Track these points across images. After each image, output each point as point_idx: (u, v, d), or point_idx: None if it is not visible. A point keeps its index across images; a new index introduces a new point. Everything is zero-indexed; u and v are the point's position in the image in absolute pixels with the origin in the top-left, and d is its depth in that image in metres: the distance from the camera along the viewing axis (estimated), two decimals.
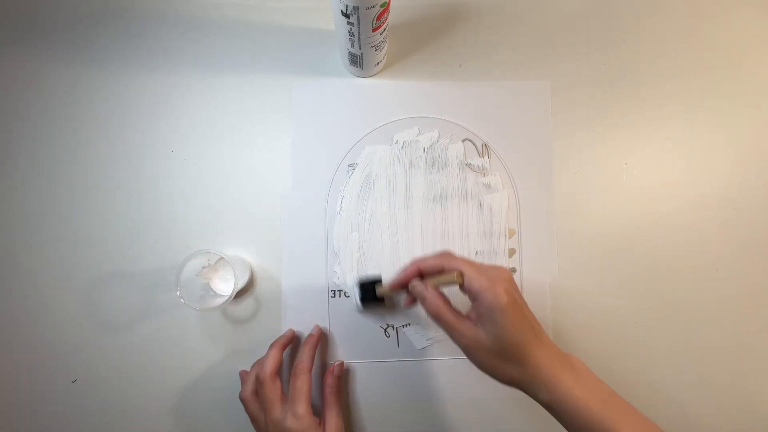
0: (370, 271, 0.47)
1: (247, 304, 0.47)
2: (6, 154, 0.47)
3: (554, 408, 0.33)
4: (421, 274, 0.39)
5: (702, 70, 0.50)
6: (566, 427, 0.34)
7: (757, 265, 0.48)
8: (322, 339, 0.46)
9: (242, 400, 0.42)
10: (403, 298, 0.44)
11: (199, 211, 0.47)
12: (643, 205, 0.48)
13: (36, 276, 0.46)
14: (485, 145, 0.48)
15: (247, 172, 0.47)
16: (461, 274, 0.36)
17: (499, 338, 0.33)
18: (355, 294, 0.45)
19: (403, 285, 0.40)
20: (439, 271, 0.38)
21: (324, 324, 0.46)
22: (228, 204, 0.47)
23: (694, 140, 0.49)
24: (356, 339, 0.47)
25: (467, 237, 0.47)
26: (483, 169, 0.48)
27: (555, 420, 0.47)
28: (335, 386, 0.44)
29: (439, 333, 0.47)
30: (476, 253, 0.47)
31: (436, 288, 0.38)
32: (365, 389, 0.46)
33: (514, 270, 0.47)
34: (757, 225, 0.49)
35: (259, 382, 0.41)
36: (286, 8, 0.48)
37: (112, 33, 0.48)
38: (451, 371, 0.47)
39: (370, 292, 0.43)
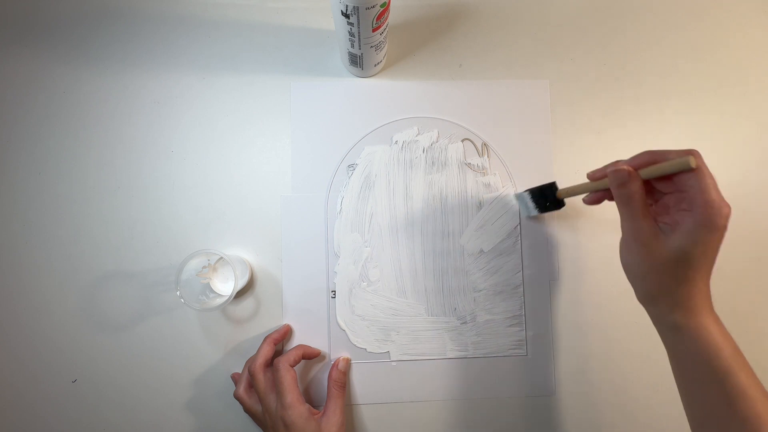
0: (371, 272, 0.47)
1: (247, 304, 0.47)
2: (6, 154, 0.47)
3: (684, 332, 0.32)
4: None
5: (702, 69, 0.50)
6: (681, 357, 0.33)
7: (757, 265, 0.48)
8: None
9: (237, 398, 0.43)
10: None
11: (199, 211, 0.47)
12: None
13: (36, 276, 0.46)
14: (485, 145, 0.48)
15: (247, 172, 0.47)
16: (694, 162, 0.31)
17: (683, 254, 0.31)
18: (527, 202, 0.45)
19: (599, 178, 0.37)
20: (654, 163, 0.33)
21: (324, 324, 0.46)
22: (228, 204, 0.47)
23: (693, 140, 0.49)
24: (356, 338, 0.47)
25: (468, 236, 0.47)
26: (483, 169, 0.48)
27: (554, 419, 0.47)
28: (340, 380, 0.44)
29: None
30: (482, 251, 0.47)
31: None
32: (365, 388, 0.46)
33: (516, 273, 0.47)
34: (757, 225, 0.49)
35: (251, 375, 0.42)
36: (286, 8, 0.48)
37: (112, 33, 0.48)
38: (452, 371, 0.47)
39: (549, 196, 0.43)
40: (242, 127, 0.47)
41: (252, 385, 0.42)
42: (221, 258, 0.44)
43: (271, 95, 0.48)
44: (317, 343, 0.46)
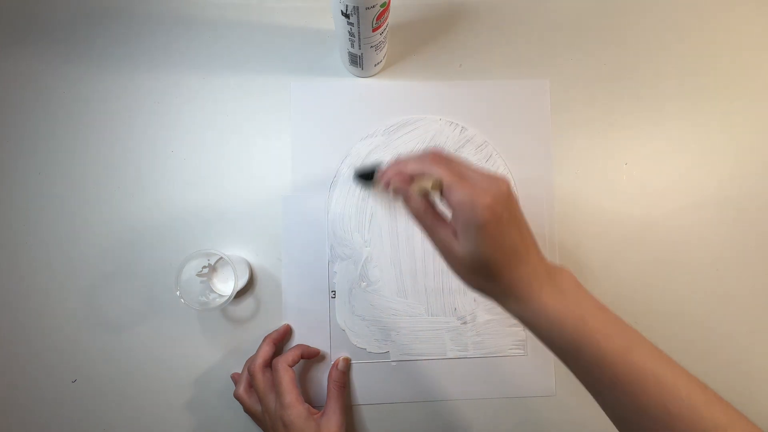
0: (371, 272, 0.47)
1: (247, 304, 0.47)
2: (6, 154, 0.47)
3: (525, 322, 0.31)
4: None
5: (702, 69, 0.50)
6: (542, 342, 0.31)
7: (757, 264, 0.48)
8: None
9: (237, 398, 0.43)
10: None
11: (199, 211, 0.47)
12: (643, 205, 0.48)
13: (36, 276, 0.46)
14: (485, 145, 0.48)
15: (247, 172, 0.47)
16: (439, 183, 0.31)
17: (474, 256, 0.30)
18: (355, 178, 0.44)
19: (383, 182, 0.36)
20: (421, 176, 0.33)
21: (324, 323, 0.46)
22: (228, 204, 0.47)
23: (694, 140, 0.49)
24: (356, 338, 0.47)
25: None
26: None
27: (554, 419, 0.47)
28: (339, 380, 0.44)
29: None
30: None
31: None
32: (365, 388, 0.46)
33: None
34: (757, 225, 0.49)
35: (251, 375, 0.42)
36: (286, 8, 0.48)
37: (112, 33, 0.48)
38: (452, 371, 0.47)
39: (368, 181, 0.42)
40: (242, 127, 0.47)
41: (252, 385, 0.42)
42: (221, 258, 0.44)
43: (271, 95, 0.48)
44: (317, 343, 0.46)
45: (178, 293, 0.40)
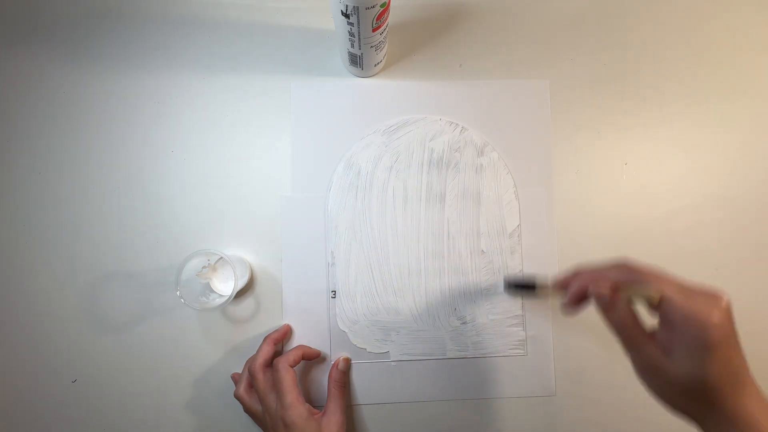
0: (371, 272, 0.47)
1: (247, 304, 0.47)
2: (6, 154, 0.47)
3: None
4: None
5: (702, 70, 0.50)
6: None
7: (757, 264, 0.48)
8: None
9: (237, 398, 0.43)
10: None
11: (199, 211, 0.47)
12: (643, 205, 0.48)
13: (36, 276, 0.46)
14: (485, 145, 0.48)
15: (247, 171, 0.47)
16: (658, 295, 0.29)
17: (694, 378, 0.28)
18: (507, 286, 0.45)
19: (566, 286, 0.34)
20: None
21: (324, 324, 0.46)
22: (228, 204, 0.47)
23: (694, 140, 0.49)
24: (356, 339, 0.47)
25: (467, 237, 0.47)
26: (483, 169, 0.48)
27: (554, 420, 0.47)
28: (340, 380, 0.44)
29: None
30: (482, 252, 0.47)
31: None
32: (365, 388, 0.46)
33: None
34: (757, 225, 0.49)
35: (251, 375, 0.42)
36: (286, 8, 0.48)
37: (113, 33, 0.48)
38: (452, 371, 0.47)
39: (529, 290, 0.42)
40: (242, 127, 0.47)
41: (252, 384, 0.42)
42: (221, 258, 0.44)
43: (271, 95, 0.48)
44: (317, 343, 0.46)
45: (178, 293, 0.40)
